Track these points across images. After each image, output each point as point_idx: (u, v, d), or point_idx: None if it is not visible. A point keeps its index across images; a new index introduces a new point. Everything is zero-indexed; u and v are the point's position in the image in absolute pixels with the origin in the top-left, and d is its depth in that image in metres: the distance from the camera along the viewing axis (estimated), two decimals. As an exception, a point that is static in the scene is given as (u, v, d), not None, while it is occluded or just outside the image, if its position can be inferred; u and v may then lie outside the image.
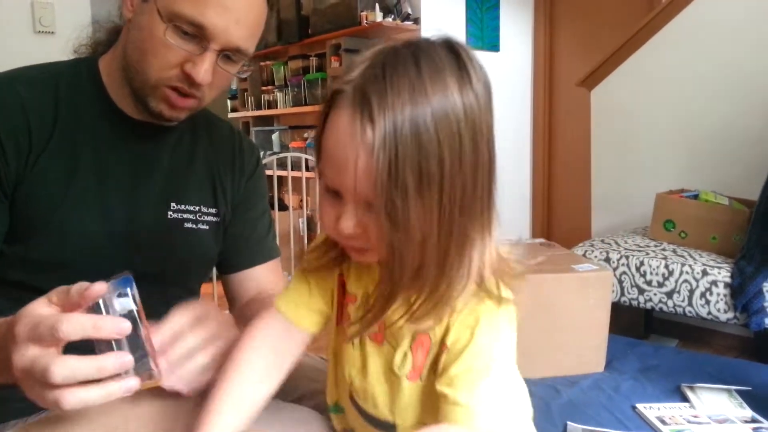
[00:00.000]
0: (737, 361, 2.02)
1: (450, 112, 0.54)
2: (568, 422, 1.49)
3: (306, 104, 4.10)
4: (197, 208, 0.98)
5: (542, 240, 2.41)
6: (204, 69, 0.82)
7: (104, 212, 0.89)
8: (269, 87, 4.56)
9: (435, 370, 0.64)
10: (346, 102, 0.55)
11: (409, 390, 0.66)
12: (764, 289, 1.94)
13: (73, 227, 0.86)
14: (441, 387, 0.62)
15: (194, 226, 0.97)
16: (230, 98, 5.12)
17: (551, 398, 1.63)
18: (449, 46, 0.57)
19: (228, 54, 0.85)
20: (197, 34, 0.81)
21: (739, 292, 1.97)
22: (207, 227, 0.99)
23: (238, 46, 0.84)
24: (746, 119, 2.52)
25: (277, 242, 1.13)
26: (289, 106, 4.30)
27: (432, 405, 0.64)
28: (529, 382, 1.81)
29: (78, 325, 0.57)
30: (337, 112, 0.56)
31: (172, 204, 0.95)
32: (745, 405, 1.59)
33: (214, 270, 1.08)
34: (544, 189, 4.07)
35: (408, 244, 0.56)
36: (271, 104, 4.52)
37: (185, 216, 0.96)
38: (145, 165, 0.94)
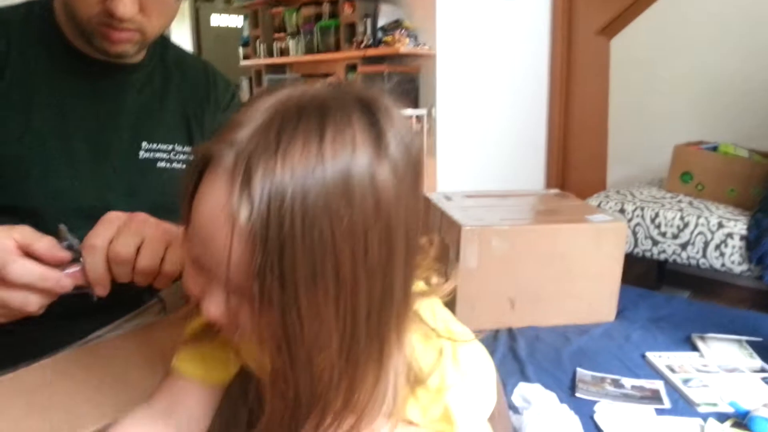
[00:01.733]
0: (749, 312, 2.02)
1: (355, 198, 0.43)
2: (578, 368, 1.51)
3: (318, 52, 4.04)
4: (170, 146, 0.96)
5: (557, 190, 2.39)
6: (122, 2, 0.78)
7: (68, 153, 0.88)
8: (281, 34, 4.48)
9: None
10: (225, 169, 0.44)
11: None
12: (780, 242, 1.92)
13: (35, 170, 0.85)
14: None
15: (168, 165, 0.96)
16: (242, 46, 5.06)
17: (561, 345, 1.64)
18: (366, 106, 0.46)
19: None
20: None
21: (755, 245, 1.95)
22: (182, 166, 0.98)
23: None
24: (766, 70, 2.45)
25: None
26: (301, 53, 4.24)
27: None
28: (540, 329, 1.83)
29: (26, 272, 0.63)
30: (211, 178, 0.45)
31: (144, 143, 0.94)
32: (755, 355, 1.60)
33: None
34: (560, 139, 4.01)
35: (297, 359, 0.45)
36: (284, 52, 4.46)
37: (158, 155, 0.95)
38: (111, 104, 0.92)
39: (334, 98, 0.45)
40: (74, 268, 0.65)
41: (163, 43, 1.00)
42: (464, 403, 0.55)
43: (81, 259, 0.65)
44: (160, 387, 0.62)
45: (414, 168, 0.47)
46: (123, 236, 0.67)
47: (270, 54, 4.60)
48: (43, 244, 0.64)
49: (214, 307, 0.47)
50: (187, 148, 0.99)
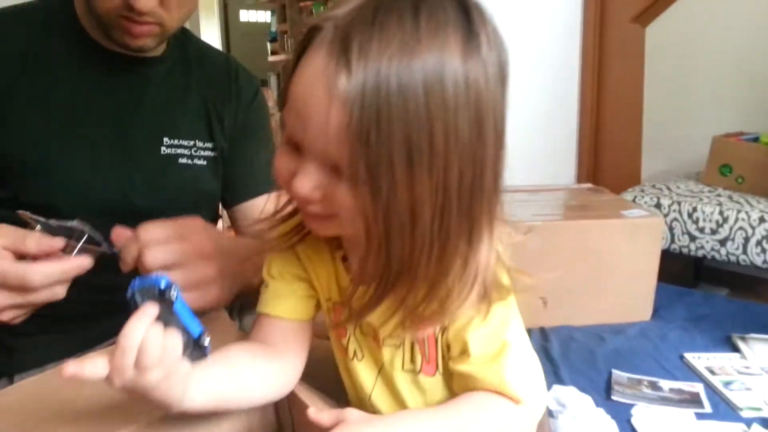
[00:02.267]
0: (793, 311, 1.95)
1: (447, 78, 0.44)
2: (613, 370, 1.46)
3: (346, 46, 4.03)
4: (192, 142, 0.95)
5: (589, 185, 2.33)
6: None
7: (90, 148, 0.87)
8: (309, 28, 4.48)
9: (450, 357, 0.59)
10: (324, 42, 0.46)
11: (433, 388, 0.61)
12: (826, 238, 1.84)
13: (57, 166, 0.84)
14: (463, 368, 0.57)
15: (189, 161, 0.95)
16: (270, 41, 5.08)
17: (596, 346, 1.60)
18: (461, 3, 0.47)
19: None
20: None
21: (799, 240, 1.88)
22: (204, 162, 0.97)
23: None
24: (815, 56, 2.35)
25: None
26: (329, 48, 4.24)
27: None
28: (573, 329, 1.79)
29: (47, 276, 0.63)
30: (311, 53, 0.47)
31: (165, 139, 0.93)
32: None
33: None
34: (592, 130, 3.92)
35: (392, 228, 0.46)
36: (311, 46, 4.46)
37: (179, 151, 0.94)
38: (132, 99, 0.91)
39: None
40: (76, 244, 0.65)
41: (183, 37, 0.99)
42: (521, 356, 0.57)
43: (73, 224, 0.65)
44: (253, 335, 0.64)
45: (501, 65, 0.49)
46: (160, 251, 0.68)
47: (298, 49, 4.61)
48: (31, 241, 0.64)
49: (307, 182, 0.48)
50: (208, 144, 0.97)
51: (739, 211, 2.03)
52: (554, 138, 3.78)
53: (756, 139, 2.27)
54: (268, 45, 5.08)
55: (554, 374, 1.45)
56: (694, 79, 2.73)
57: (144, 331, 0.47)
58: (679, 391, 1.38)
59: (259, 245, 0.66)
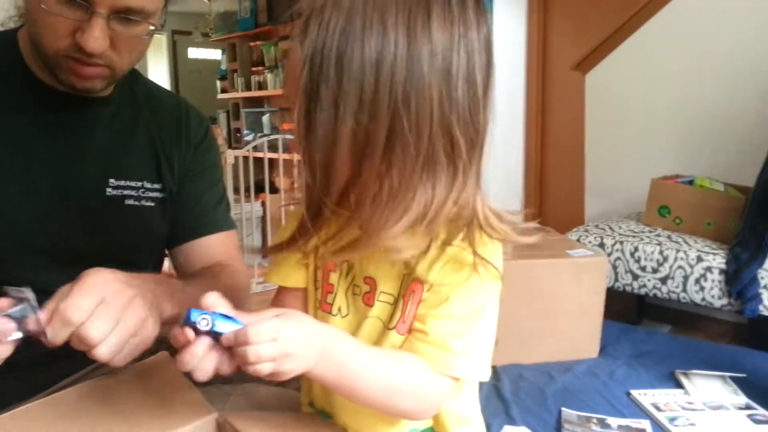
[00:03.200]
0: (731, 347, 2.01)
1: (388, 36, 0.53)
2: (563, 408, 1.47)
3: (297, 86, 4.06)
4: (140, 183, 0.93)
5: (535, 224, 2.38)
6: (93, 36, 0.75)
7: (30, 191, 0.84)
8: (259, 68, 4.49)
9: None
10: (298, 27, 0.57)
11: (401, 346, 0.63)
12: (759, 276, 1.93)
13: None
14: (421, 325, 0.61)
15: (137, 202, 0.93)
16: (219, 79, 5.06)
17: (545, 384, 1.61)
18: None
19: (122, 15, 0.77)
20: None
21: (734, 279, 1.96)
22: (152, 204, 0.94)
23: (128, 5, 0.76)
24: (742, 105, 2.50)
25: (231, 215, 1.08)
26: (279, 87, 4.25)
27: None
28: (523, 367, 1.79)
29: None
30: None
31: (111, 180, 0.91)
32: (739, 392, 1.58)
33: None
34: (537, 173, 4.04)
35: (318, 149, 0.55)
36: (262, 85, 4.46)
37: (126, 192, 0.92)
38: (77, 139, 0.88)
39: None
40: (19, 310, 0.60)
41: (132, 77, 0.97)
42: (466, 314, 0.61)
43: (28, 304, 0.60)
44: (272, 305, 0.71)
45: (471, 26, 0.57)
46: (99, 320, 0.61)
47: (248, 87, 4.60)
48: None
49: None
50: (157, 185, 0.95)
51: (678, 251, 2.10)
52: (501, 180, 3.87)
53: (691, 182, 2.37)
54: (218, 83, 5.06)
55: (506, 414, 1.45)
56: (633, 124, 2.86)
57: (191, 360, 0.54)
58: (627, 428, 1.40)
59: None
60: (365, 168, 0.56)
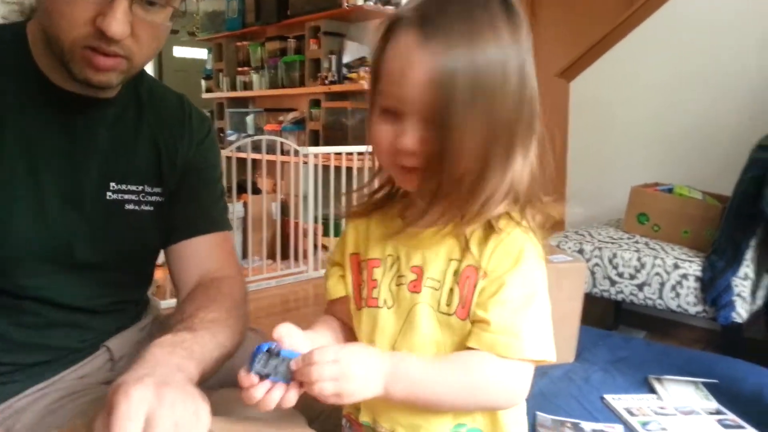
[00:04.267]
0: (704, 353, 2.04)
1: (504, 47, 0.61)
2: (538, 413, 1.49)
3: (283, 87, 4.04)
4: (141, 188, 0.91)
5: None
6: (116, 19, 0.72)
7: (36, 193, 0.82)
8: (245, 68, 4.48)
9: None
10: (411, 25, 0.61)
11: (460, 330, 0.67)
12: (733, 284, 1.96)
13: (2, 216, 0.79)
14: (483, 314, 0.64)
15: (137, 207, 0.91)
16: (204, 78, 5.03)
17: (521, 388, 1.62)
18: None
19: None
20: None
21: (709, 286, 1.99)
22: (151, 208, 0.93)
23: None
24: (722, 115, 2.54)
25: (228, 217, 1.06)
26: (265, 88, 4.24)
27: None
28: (500, 371, 1.77)
29: None
30: (397, 34, 0.62)
31: (112, 184, 0.89)
32: (711, 397, 1.61)
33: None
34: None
35: (455, 150, 0.60)
36: (247, 86, 4.45)
37: (126, 197, 0.90)
38: (83, 141, 0.86)
39: None
40: None
41: (138, 76, 0.94)
42: (541, 316, 0.66)
43: None
44: (323, 317, 0.78)
45: (529, 35, 0.65)
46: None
47: (233, 87, 4.59)
48: None
49: (411, 137, 0.63)
50: (157, 189, 0.93)
51: (655, 258, 2.13)
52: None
53: (670, 190, 2.41)
54: (203, 82, 5.04)
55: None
56: (615, 132, 2.89)
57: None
58: (600, 432, 1.41)
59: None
60: (489, 160, 0.62)
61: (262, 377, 0.62)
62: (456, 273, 0.67)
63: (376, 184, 0.76)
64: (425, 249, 0.69)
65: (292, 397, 0.63)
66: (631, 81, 2.82)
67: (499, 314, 0.64)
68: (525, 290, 0.65)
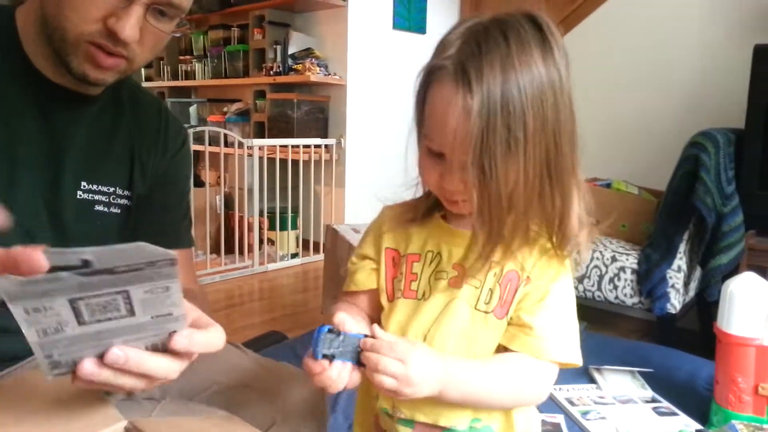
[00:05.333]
0: (640, 343, 2.12)
1: (534, 81, 0.62)
2: (482, 404, 1.51)
3: (226, 76, 3.96)
4: (112, 189, 0.89)
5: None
6: (130, 24, 0.73)
7: (12, 190, 0.79)
8: (187, 57, 4.36)
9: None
10: (448, 76, 0.63)
11: (494, 328, 0.70)
12: (668, 276, 2.04)
13: None
14: (528, 318, 0.69)
15: (106, 209, 0.89)
16: (145, 66, 4.87)
17: (466, 381, 1.64)
18: (534, 21, 0.64)
19: (159, 8, 0.76)
20: None
21: (645, 279, 2.06)
22: (119, 211, 0.91)
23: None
24: (659, 112, 2.63)
25: (192, 232, 1.05)
26: (208, 77, 4.14)
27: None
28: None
29: None
30: (439, 85, 0.64)
31: (83, 183, 0.86)
32: (647, 386, 1.67)
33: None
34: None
35: (496, 196, 0.63)
36: (189, 75, 4.33)
37: (97, 197, 0.88)
38: (60, 138, 0.84)
39: (508, 16, 0.64)
40: None
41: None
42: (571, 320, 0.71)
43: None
44: (340, 305, 0.79)
45: (567, 61, 0.66)
46: None
47: (175, 77, 4.46)
48: None
49: (453, 181, 0.66)
50: (126, 192, 0.91)
51: (594, 251, 2.19)
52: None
53: (609, 185, 2.48)
54: (143, 70, 4.88)
55: (427, 410, 1.47)
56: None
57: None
58: (543, 423, 1.44)
59: None
60: (531, 201, 0.65)
61: (328, 358, 0.64)
62: (498, 275, 0.70)
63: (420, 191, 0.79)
64: (468, 248, 0.72)
65: (356, 377, 0.66)
66: (571, 77, 2.89)
67: (542, 320, 0.69)
68: (564, 300, 0.71)
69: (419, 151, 0.70)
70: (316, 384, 0.65)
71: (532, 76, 0.62)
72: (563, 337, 0.70)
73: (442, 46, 0.65)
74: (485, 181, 0.62)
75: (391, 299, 0.76)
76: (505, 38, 0.62)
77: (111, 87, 0.89)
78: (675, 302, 2.04)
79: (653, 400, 1.60)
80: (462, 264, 0.72)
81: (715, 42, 2.57)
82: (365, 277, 0.79)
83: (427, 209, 0.77)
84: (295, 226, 3.53)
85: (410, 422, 0.73)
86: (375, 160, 3.60)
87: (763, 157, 2.05)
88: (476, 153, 0.61)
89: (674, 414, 1.52)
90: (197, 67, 4.23)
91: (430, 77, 0.66)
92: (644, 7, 2.65)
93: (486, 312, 0.70)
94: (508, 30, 0.63)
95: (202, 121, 4.14)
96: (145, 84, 4.72)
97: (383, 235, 0.79)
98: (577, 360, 0.71)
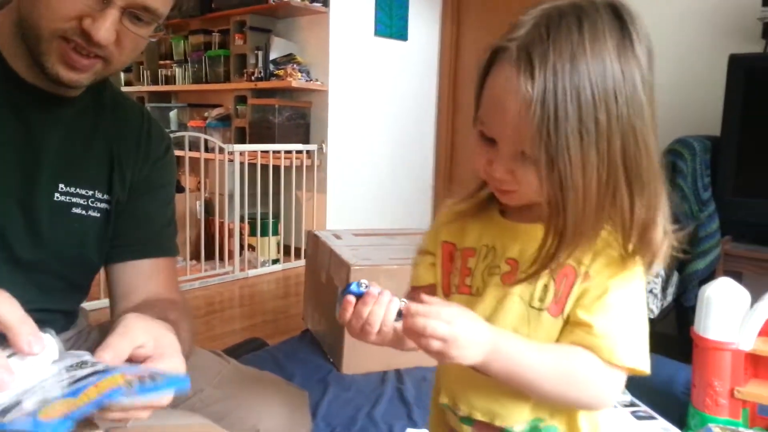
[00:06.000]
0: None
1: (607, 74, 0.58)
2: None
3: (207, 81, 3.94)
4: (90, 192, 0.88)
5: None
6: (105, 27, 0.73)
7: None
8: (167, 61, 4.33)
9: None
10: (510, 59, 0.59)
11: (549, 327, 0.66)
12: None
13: None
14: (587, 316, 0.64)
15: (84, 212, 0.88)
16: (124, 71, 4.82)
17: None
18: (614, 10, 0.60)
19: (135, 12, 0.76)
20: None
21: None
22: (98, 215, 0.89)
23: (145, 4, 0.75)
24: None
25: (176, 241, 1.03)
26: (188, 82, 4.11)
27: None
28: (426, 369, 1.81)
29: None
30: (500, 66, 0.61)
31: (61, 186, 0.85)
32: (625, 390, 1.69)
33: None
34: (447, 178, 4.14)
35: (567, 197, 0.59)
36: (169, 80, 4.30)
37: (74, 200, 0.87)
38: (37, 140, 0.83)
39: (588, 2, 0.60)
40: None
41: (103, 81, 0.91)
42: (640, 324, 0.66)
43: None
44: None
45: (649, 52, 0.62)
46: None
47: (155, 81, 4.42)
48: None
49: (501, 168, 0.63)
50: (106, 196, 0.90)
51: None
52: (413, 184, 3.93)
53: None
54: (122, 74, 4.83)
55: (408, 417, 1.47)
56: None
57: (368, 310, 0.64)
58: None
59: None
60: (603, 185, 0.61)
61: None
62: (553, 269, 0.65)
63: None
64: (523, 243, 0.68)
65: (390, 334, 0.64)
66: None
67: (603, 319, 0.64)
68: (628, 298, 0.65)
69: (474, 136, 0.67)
70: (355, 320, 0.64)
71: (604, 66, 0.58)
72: (627, 339, 0.64)
73: (513, 25, 0.61)
74: (553, 180, 0.59)
75: (447, 294, 0.74)
76: (579, 25, 0.58)
77: (93, 90, 0.89)
78: (653, 307, 2.07)
79: (631, 404, 1.61)
80: (516, 259, 0.69)
81: (691, 51, 2.62)
82: (424, 271, 0.79)
83: (483, 201, 0.74)
84: (276, 232, 3.52)
85: (470, 420, 0.71)
86: (356, 166, 3.60)
87: (738, 163, 2.09)
88: (536, 145, 0.58)
89: (652, 418, 1.54)
90: (177, 71, 4.21)
91: (492, 58, 0.62)
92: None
93: (540, 309, 0.67)
94: (584, 16, 0.59)
95: (182, 126, 4.11)
96: (124, 88, 4.68)
97: (441, 227, 0.78)
98: (644, 367, 0.65)
